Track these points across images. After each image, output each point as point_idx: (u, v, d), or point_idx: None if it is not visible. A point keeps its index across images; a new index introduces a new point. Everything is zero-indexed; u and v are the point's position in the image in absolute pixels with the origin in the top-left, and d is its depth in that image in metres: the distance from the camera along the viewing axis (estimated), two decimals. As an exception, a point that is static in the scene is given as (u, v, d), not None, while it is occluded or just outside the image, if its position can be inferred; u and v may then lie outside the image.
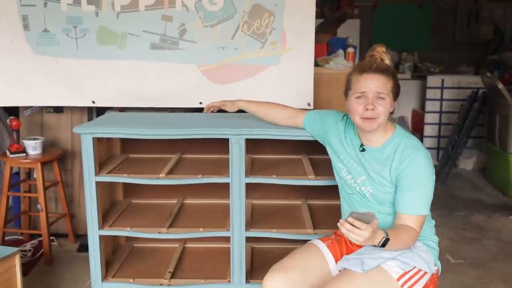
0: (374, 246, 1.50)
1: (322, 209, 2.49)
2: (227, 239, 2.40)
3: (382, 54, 1.70)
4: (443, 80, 5.29)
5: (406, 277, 1.58)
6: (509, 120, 4.07)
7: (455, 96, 5.29)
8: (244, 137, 2.10)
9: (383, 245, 1.49)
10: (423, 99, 5.44)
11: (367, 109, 1.63)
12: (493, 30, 6.20)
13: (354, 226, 1.40)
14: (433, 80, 5.32)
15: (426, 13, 6.48)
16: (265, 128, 2.11)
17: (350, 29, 5.41)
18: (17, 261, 2.03)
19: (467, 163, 5.04)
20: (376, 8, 6.44)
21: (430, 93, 5.32)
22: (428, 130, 5.34)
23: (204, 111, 2.24)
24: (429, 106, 5.34)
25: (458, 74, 5.61)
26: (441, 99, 5.31)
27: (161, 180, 2.17)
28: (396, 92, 1.69)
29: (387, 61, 1.70)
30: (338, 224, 1.43)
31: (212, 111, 2.23)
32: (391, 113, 1.73)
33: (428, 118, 5.34)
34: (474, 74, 5.66)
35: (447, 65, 6.18)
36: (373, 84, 1.62)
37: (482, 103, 4.58)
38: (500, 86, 4.08)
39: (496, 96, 4.27)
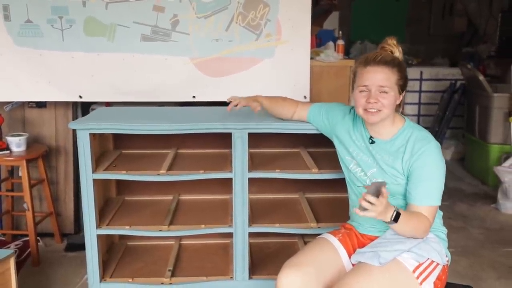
0: (387, 222, 1.51)
1: (321, 202, 2.48)
2: (224, 235, 2.37)
3: (392, 46, 1.70)
4: (421, 72, 5.39)
5: (421, 268, 1.59)
6: (489, 111, 4.18)
7: (433, 88, 5.39)
8: (248, 131, 2.06)
9: (395, 219, 1.50)
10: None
11: (369, 102, 1.63)
12: (467, 22, 6.36)
13: (369, 202, 1.43)
14: (412, 72, 5.39)
15: (403, 5, 6.57)
16: (269, 122, 2.08)
17: (329, 21, 5.42)
18: (11, 263, 1.94)
19: (445, 153, 5.16)
20: (354, 0, 6.48)
21: (409, 85, 5.37)
22: (408, 122, 5.43)
23: (229, 105, 2.04)
24: (408, 97, 5.42)
25: (434, 66, 5.72)
26: (420, 91, 5.41)
27: (162, 176, 2.11)
28: (402, 85, 1.68)
29: (397, 53, 1.70)
30: (356, 209, 1.47)
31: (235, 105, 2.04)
32: (399, 105, 1.73)
33: (408, 109, 5.43)
34: (449, 66, 5.79)
35: (422, 57, 6.29)
36: (376, 77, 1.62)
37: (461, 95, 4.69)
38: (481, 77, 4.18)
39: (476, 88, 4.37)
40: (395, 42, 1.71)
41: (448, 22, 6.53)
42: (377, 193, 1.45)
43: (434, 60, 6.15)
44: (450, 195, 4.05)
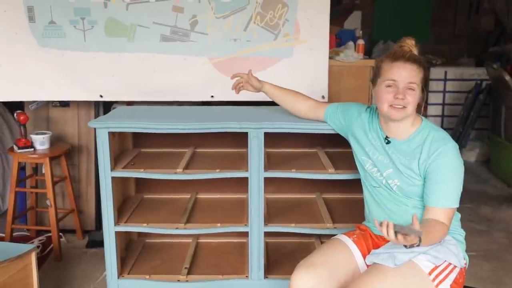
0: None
1: (337, 202, 2.47)
2: (240, 234, 2.38)
3: (411, 47, 1.68)
4: (446, 72, 5.29)
5: (437, 271, 1.56)
6: (515, 112, 4.07)
7: (458, 88, 5.28)
8: (264, 131, 2.07)
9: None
10: (426, 91, 5.42)
11: (397, 98, 1.61)
12: (494, 21, 6.20)
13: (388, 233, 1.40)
14: (436, 72, 5.31)
15: (427, 5, 6.45)
16: (285, 121, 2.08)
17: (351, 21, 5.37)
18: (33, 258, 1.99)
19: (470, 155, 5.04)
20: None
21: (433, 85, 5.31)
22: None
23: (233, 84, 2.09)
24: (432, 98, 5.33)
25: (459, 66, 5.61)
26: (444, 91, 5.31)
27: (179, 175, 2.14)
28: (424, 83, 1.67)
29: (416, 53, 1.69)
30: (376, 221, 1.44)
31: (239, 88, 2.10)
32: (419, 105, 1.71)
33: (431, 110, 5.33)
34: (474, 66, 5.66)
35: (447, 57, 6.16)
36: (405, 74, 1.61)
37: (487, 95, 4.58)
38: (507, 77, 4.08)
39: (502, 88, 4.26)
40: (413, 42, 1.69)
41: (474, 22, 6.38)
42: (403, 233, 1.41)
43: (459, 60, 6.02)
44: (474, 197, 3.96)
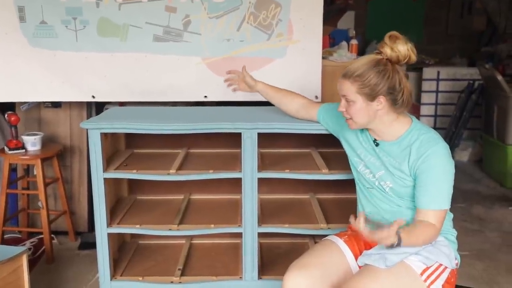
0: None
1: (331, 203, 2.47)
2: (234, 235, 2.37)
3: (383, 45, 1.61)
4: (438, 72, 5.31)
5: (429, 271, 1.56)
6: (507, 111, 4.09)
7: (451, 88, 5.31)
8: (257, 131, 2.06)
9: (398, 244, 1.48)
10: (418, 91, 5.45)
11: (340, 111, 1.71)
12: (486, 21, 6.24)
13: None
14: (428, 72, 5.33)
15: (420, 5, 6.48)
16: (279, 121, 2.08)
17: (344, 21, 5.38)
18: (24, 260, 1.97)
19: (463, 154, 5.07)
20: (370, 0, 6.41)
21: (425, 85, 5.34)
22: (424, 122, 5.34)
23: (226, 80, 2.18)
24: (425, 98, 5.36)
25: (452, 66, 5.64)
26: (437, 91, 5.34)
27: (172, 176, 2.12)
28: (370, 92, 1.59)
29: (388, 52, 1.59)
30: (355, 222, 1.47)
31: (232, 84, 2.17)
32: (404, 107, 1.66)
33: (424, 110, 5.36)
34: (467, 66, 5.69)
35: (440, 57, 6.19)
36: (340, 89, 1.68)
37: (479, 95, 4.61)
38: (499, 77, 4.10)
39: (494, 88, 4.29)
40: (386, 41, 1.61)
41: (466, 21, 6.42)
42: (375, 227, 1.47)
43: (452, 60, 6.05)
44: (467, 197, 3.98)
